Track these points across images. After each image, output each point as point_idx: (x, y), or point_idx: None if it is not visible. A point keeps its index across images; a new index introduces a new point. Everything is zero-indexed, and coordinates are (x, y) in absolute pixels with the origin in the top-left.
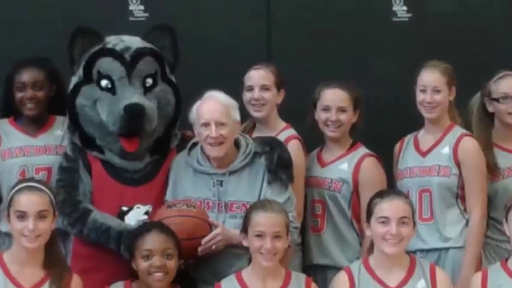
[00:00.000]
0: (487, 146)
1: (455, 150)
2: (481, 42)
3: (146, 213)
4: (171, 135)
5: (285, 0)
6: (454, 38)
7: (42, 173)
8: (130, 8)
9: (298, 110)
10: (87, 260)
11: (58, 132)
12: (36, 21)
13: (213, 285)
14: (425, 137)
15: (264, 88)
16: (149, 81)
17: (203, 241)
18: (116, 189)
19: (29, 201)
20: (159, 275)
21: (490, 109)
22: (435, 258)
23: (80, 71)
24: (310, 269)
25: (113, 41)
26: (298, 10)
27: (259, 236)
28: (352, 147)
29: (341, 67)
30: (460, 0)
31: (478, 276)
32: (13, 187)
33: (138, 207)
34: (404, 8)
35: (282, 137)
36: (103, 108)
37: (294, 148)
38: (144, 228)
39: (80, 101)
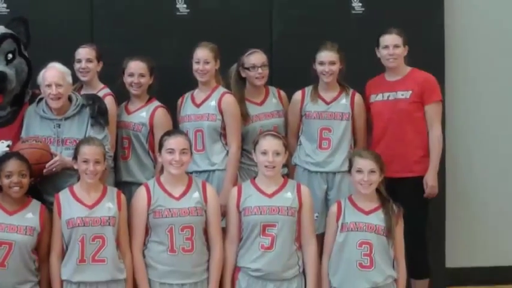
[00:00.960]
0: (241, 100)
1: (219, 103)
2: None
3: (8, 146)
4: (25, 93)
5: None
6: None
7: None
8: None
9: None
10: None
11: None
12: None
13: (53, 196)
14: (199, 94)
15: (89, 60)
16: (10, 56)
17: (47, 165)
18: None
19: None
20: (16, 188)
21: (243, 75)
22: (206, 177)
23: None
24: (120, 185)
25: None
26: None
27: (85, 161)
28: (148, 101)
29: None
30: None
31: (235, 189)
32: None
33: (2, 142)
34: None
35: (100, 94)
36: None
37: (109, 101)
38: (6, 156)
39: None
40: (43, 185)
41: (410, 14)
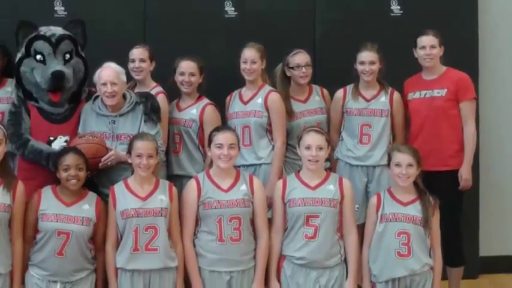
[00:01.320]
0: (286, 98)
1: (265, 100)
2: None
3: (65, 141)
4: (82, 91)
5: None
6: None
7: None
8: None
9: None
10: (27, 171)
11: (9, 89)
12: None
13: (108, 188)
14: (246, 92)
15: (142, 60)
16: (67, 56)
17: (103, 159)
18: (46, 126)
19: None
20: (73, 181)
21: (288, 74)
22: (253, 170)
23: (23, 49)
24: (171, 178)
25: (44, 29)
26: None
27: (139, 156)
28: (198, 98)
29: None
30: None
31: (280, 182)
32: None
33: (60, 138)
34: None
35: (153, 92)
36: (38, 74)
37: (161, 99)
38: (64, 151)
39: (23, 69)
40: (99, 178)
41: (446, 15)
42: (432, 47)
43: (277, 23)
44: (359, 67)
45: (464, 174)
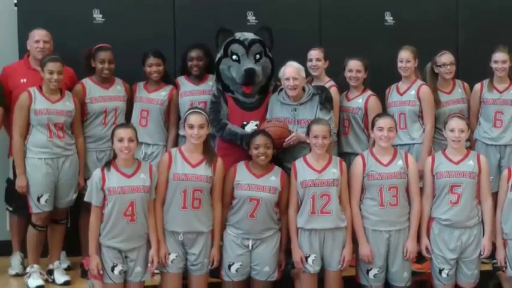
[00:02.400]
0: (434, 90)
1: (418, 92)
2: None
3: (256, 125)
4: (269, 85)
5: None
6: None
7: (201, 104)
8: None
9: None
10: (225, 150)
11: (210, 83)
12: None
13: (290, 163)
14: (402, 85)
15: (318, 60)
16: (257, 56)
17: (286, 140)
18: (240, 113)
19: (195, 118)
20: (262, 157)
21: (436, 71)
22: (407, 149)
23: (221, 51)
24: (341, 155)
25: (238, 35)
26: None
27: (315, 137)
28: (363, 90)
29: None
30: None
31: (430, 158)
32: (187, 111)
33: (252, 122)
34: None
35: (327, 85)
36: (233, 71)
37: (333, 91)
38: (255, 133)
39: (221, 67)
40: (283, 155)
41: None
42: None
43: (427, 29)
44: (493, 65)
45: None
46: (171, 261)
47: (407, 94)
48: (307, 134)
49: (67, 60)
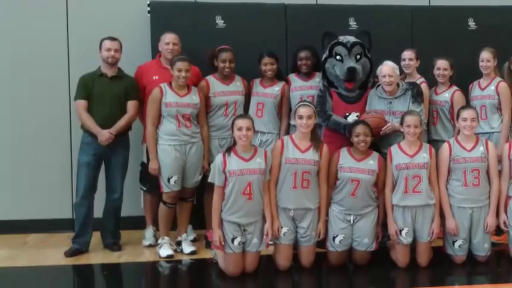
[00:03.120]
0: (511, 86)
1: (497, 87)
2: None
3: (357, 116)
4: (368, 81)
5: None
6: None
7: (309, 98)
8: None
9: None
10: (330, 137)
11: (317, 79)
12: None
13: (387, 149)
14: (483, 81)
15: (410, 59)
16: (358, 56)
17: (382, 129)
18: (343, 105)
19: (304, 110)
20: (362, 144)
21: None
22: (487, 136)
23: (327, 52)
24: (430, 142)
25: (341, 38)
26: None
27: (408, 126)
28: (450, 86)
29: None
30: None
31: (507, 145)
32: (297, 104)
33: (353, 113)
34: None
35: (418, 82)
36: (337, 69)
37: (424, 87)
38: (356, 123)
39: (327, 65)
40: (380, 142)
41: None
42: None
43: (505, 33)
44: None
45: None
46: (283, 234)
47: (488, 89)
48: (401, 123)
49: (193, 59)
